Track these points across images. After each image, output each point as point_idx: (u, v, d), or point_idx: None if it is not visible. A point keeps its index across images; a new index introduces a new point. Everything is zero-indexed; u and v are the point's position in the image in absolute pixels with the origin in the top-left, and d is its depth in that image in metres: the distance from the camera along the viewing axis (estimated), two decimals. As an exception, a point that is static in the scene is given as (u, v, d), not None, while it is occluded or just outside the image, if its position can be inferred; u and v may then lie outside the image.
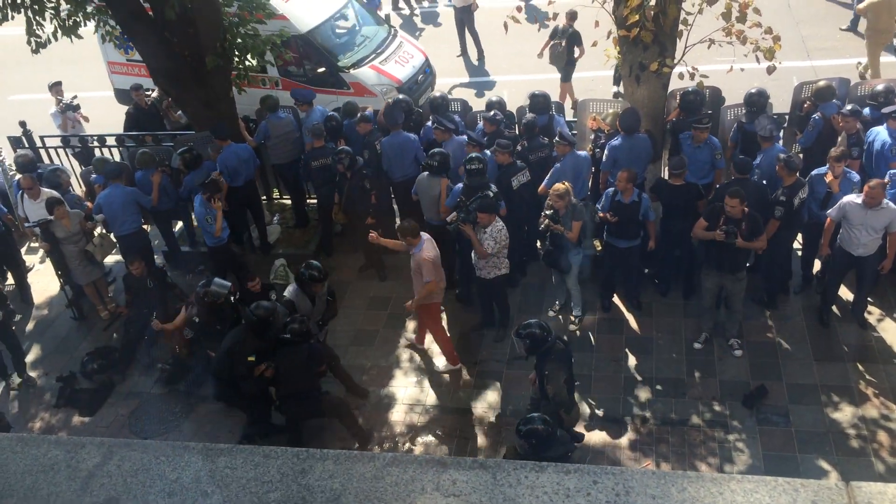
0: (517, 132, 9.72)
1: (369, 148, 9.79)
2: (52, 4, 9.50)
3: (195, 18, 9.55)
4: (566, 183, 8.30)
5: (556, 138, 8.91)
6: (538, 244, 9.41)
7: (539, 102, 9.66)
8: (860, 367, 7.97)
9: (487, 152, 9.00)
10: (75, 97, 12.54)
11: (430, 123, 9.76)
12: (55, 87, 12.40)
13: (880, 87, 8.89)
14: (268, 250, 10.75)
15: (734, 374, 8.12)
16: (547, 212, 8.31)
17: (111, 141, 11.40)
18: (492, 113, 9.56)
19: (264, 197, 11.14)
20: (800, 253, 9.12)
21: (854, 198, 7.76)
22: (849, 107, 8.62)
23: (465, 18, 15.07)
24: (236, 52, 10.10)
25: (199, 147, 10.11)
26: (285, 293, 8.27)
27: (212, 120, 10.14)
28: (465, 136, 9.48)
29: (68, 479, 3.01)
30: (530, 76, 13.71)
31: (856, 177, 8.14)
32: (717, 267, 8.04)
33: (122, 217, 9.68)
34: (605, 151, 8.99)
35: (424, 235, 8.09)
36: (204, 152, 10.08)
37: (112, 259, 10.73)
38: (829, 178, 8.12)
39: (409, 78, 12.63)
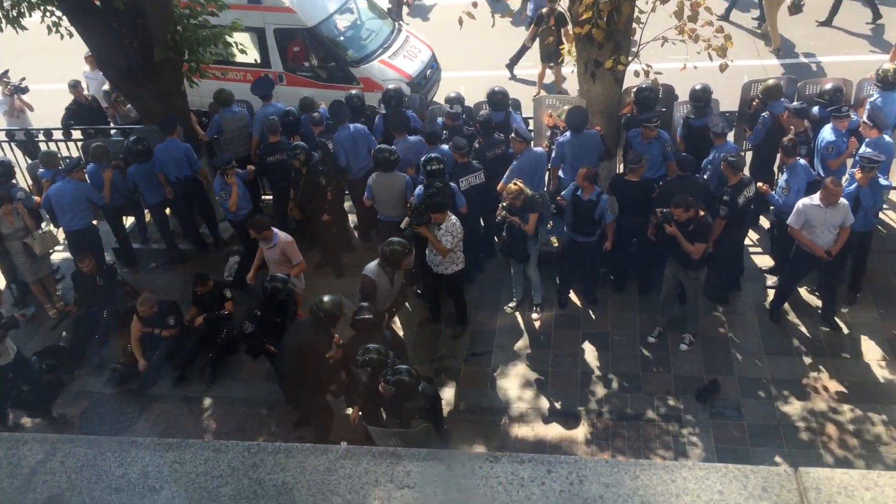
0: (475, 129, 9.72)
1: (321, 148, 9.64)
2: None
3: (144, 9, 9.36)
4: (518, 182, 8.34)
5: (513, 135, 8.95)
6: (495, 239, 9.44)
7: (497, 99, 9.68)
8: (808, 361, 8.15)
9: (445, 147, 8.99)
10: (24, 79, 12.14)
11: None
12: (2, 76, 12.03)
13: (828, 86, 9.09)
14: (221, 247, 10.58)
15: (688, 370, 8.22)
16: (503, 204, 8.35)
17: (57, 135, 11.12)
18: (451, 108, 9.54)
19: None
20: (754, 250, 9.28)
21: (809, 200, 7.86)
22: (795, 104, 8.80)
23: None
24: (187, 45, 9.89)
25: (150, 141, 9.89)
26: (365, 270, 7.89)
27: (163, 114, 9.95)
28: (419, 136, 9.44)
29: (9, 475, 2.92)
30: (487, 72, 13.74)
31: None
32: (676, 259, 8.15)
33: (71, 212, 9.44)
34: (554, 147, 9.07)
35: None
36: (153, 146, 9.87)
37: (60, 256, 10.48)
38: (857, 175, 8.05)
39: (419, 73, 12.40)
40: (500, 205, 8.44)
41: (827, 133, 8.65)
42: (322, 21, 12.01)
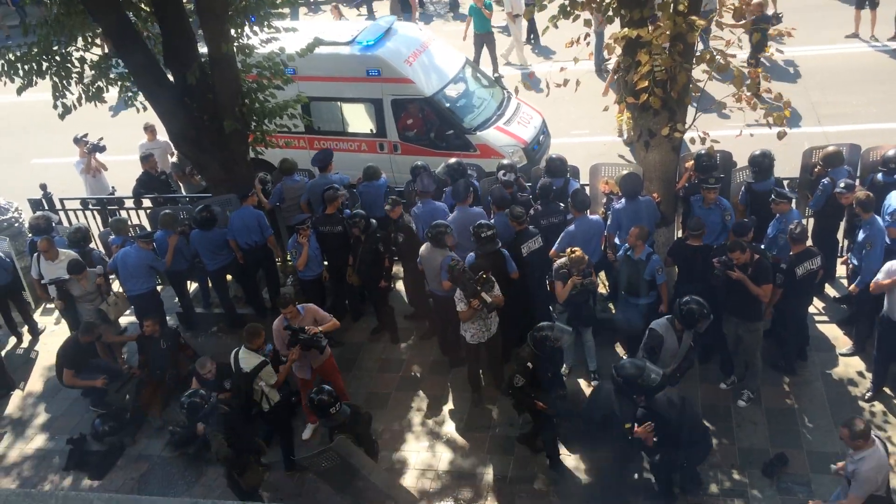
0: (531, 196, 9.78)
1: (404, 231, 9.62)
2: (77, 70, 9.80)
3: (215, 84, 9.80)
4: (577, 251, 8.38)
5: (570, 201, 8.98)
6: (550, 308, 9.36)
7: (556, 166, 9.76)
8: (883, 435, 7.75)
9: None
10: (101, 139, 12.68)
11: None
12: (81, 141, 12.63)
13: (891, 152, 8.92)
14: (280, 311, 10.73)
15: (753, 442, 7.96)
16: (576, 277, 8.35)
17: (129, 203, 11.59)
18: (503, 174, 9.66)
19: (279, 259, 11.20)
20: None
21: None
22: (842, 184, 8.65)
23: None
24: (254, 117, 10.29)
25: (219, 209, 10.22)
26: (654, 325, 7.68)
27: (229, 183, 10.30)
28: (479, 208, 9.50)
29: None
30: (593, 138, 13.91)
31: None
32: (733, 313, 8.06)
33: (134, 277, 9.78)
34: (610, 214, 9.06)
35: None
36: (222, 215, 10.20)
37: (126, 320, 10.78)
38: None
39: (533, 138, 12.52)
40: (571, 280, 8.36)
41: (894, 200, 8.45)
42: (439, 90, 12.27)
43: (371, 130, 12.33)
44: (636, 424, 6.89)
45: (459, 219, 9.31)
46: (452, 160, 10.48)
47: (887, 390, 8.33)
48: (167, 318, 10.48)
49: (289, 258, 9.85)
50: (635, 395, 6.94)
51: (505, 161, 10.39)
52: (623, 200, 8.96)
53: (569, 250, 8.38)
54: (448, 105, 12.23)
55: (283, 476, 8.42)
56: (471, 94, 12.84)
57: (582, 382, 9.02)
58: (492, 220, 8.99)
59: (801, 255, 8.03)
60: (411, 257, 9.34)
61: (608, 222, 9.14)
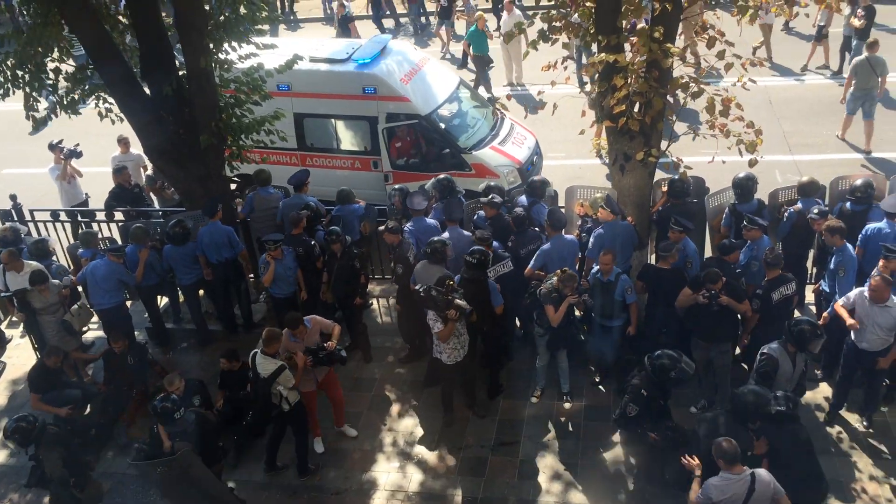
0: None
1: (402, 262, 9.40)
2: (51, 81, 9.71)
3: (192, 97, 9.76)
4: (567, 269, 8.38)
5: (546, 220, 9.02)
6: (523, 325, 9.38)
7: (535, 187, 9.83)
8: (852, 460, 7.91)
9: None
10: (77, 145, 12.55)
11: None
12: (56, 147, 12.48)
13: (859, 182, 9.10)
14: (250, 329, 10.66)
15: (722, 465, 7.97)
16: (574, 295, 8.31)
17: (100, 216, 11.46)
18: (490, 197, 9.67)
19: (251, 276, 11.13)
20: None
21: (863, 289, 7.77)
22: (815, 210, 8.78)
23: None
24: (231, 132, 10.24)
25: (192, 224, 10.15)
26: (768, 349, 7.40)
27: (203, 197, 10.23)
28: (468, 233, 9.46)
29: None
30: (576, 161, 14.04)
31: None
32: (704, 338, 8.16)
33: (102, 290, 9.64)
34: (591, 239, 9.08)
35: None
36: (196, 229, 10.12)
37: (94, 335, 10.62)
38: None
39: (527, 159, 12.52)
40: (566, 300, 8.32)
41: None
42: (434, 110, 12.26)
43: (365, 148, 12.33)
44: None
45: (451, 239, 9.31)
46: (442, 175, 10.49)
47: (843, 413, 8.43)
48: (136, 333, 10.33)
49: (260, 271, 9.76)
50: (753, 423, 6.72)
51: (491, 182, 10.40)
52: (602, 225, 8.98)
53: (558, 271, 8.38)
54: (443, 124, 12.27)
55: (254, 491, 8.30)
56: (465, 113, 12.91)
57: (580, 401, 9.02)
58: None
59: (775, 281, 8.13)
60: (408, 292, 9.05)
61: (589, 246, 9.10)
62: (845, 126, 13.95)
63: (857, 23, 14.74)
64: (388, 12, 22.19)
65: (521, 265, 9.08)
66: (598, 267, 8.54)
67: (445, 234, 9.41)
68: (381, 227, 9.80)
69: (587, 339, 8.77)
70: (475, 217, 9.78)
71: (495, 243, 9.07)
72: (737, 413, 6.85)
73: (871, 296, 7.56)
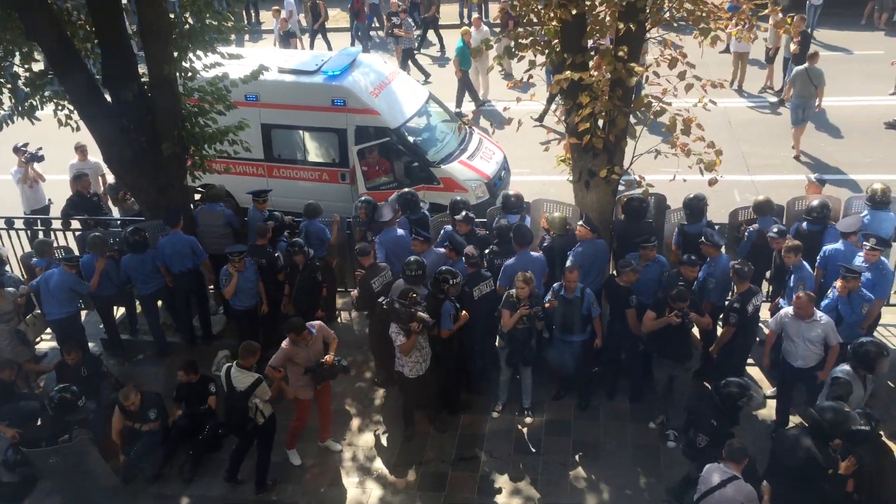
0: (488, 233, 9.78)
1: (365, 288, 9.26)
2: (9, 87, 9.51)
3: (154, 105, 9.63)
4: (527, 273, 8.40)
5: (512, 236, 9.04)
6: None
7: (512, 203, 9.82)
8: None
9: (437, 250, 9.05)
10: (40, 149, 12.32)
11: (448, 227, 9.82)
12: (20, 150, 12.25)
13: (815, 202, 9.29)
14: (209, 341, 10.50)
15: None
16: (526, 306, 8.31)
17: (57, 224, 11.24)
18: (464, 214, 9.65)
19: (211, 287, 10.98)
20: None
21: (789, 309, 7.97)
22: (775, 229, 8.96)
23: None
24: (194, 141, 10.12)
25: (150, 233, 9.99)
26: (839, 372, 7.32)
27: (164, 207, 10.08)
28: (441, 249, 9.36)
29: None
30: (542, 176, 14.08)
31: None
32: (669, 356, 8.23)
33: (54, 300, 9.44)
34: (570, 256, 9.02)
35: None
36: (154, 239, 9.96)
37: (47, 345, 10.38)
38: (838, 285, 8.13)
39: (495, 174, 12.55)
40: (521, 307, 8.33)
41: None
42: (404, 123, 12.23)
43: (333, 160, 12.26)
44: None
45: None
46: (405, 189, 10.46)
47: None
48: (90, 344, 10.13)
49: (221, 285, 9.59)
50: (834, 440, 6.56)
51: (458, 197, 10.42)
52: (581, 244, 8.98)
53: (520, 274, 8.40)
54: (412, 138, 12.25)
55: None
56: (434, 127, 12.92)
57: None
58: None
59: (747, 294, 8.27)
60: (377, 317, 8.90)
61: (568, 263, 8.97)
62: (796, 138, 14.54)
63: (793, 47, 15.52)
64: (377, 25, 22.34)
65: (496, 277, 9.06)
66: (558, 284, 8.54)
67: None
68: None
69: (549, 353, 8.78)
70: (442, 231, 9.77)
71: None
72: (815, 431, 6.60)
73: (797, 312, 7.77)
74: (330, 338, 8.32)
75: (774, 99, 16.67)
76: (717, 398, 7.15)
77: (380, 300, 8.36)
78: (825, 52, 15.86)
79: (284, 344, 7.98)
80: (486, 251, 9.33)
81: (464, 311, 8.49)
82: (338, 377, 8.34)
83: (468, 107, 17.14)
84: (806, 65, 14.07)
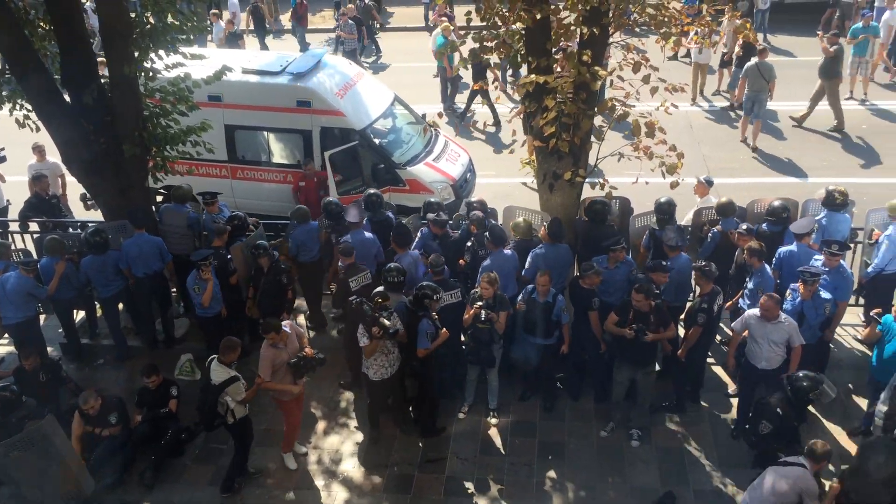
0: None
1: (343, 287, 9.21)
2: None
3: (114, 106, 9.49)
4: (493, 274, 8.43)
5: (486, 236, 9.07)
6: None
7: (474, 209, 9.80)
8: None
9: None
10: (2, 149, 12.12)
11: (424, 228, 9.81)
12: None
13: (776, 203, 9.46)
14: (171, 344, 10.37)
15: (644, 480, 8.15)
16: (479, 302, 8.36)
17: (14, 226, 11.02)
18: (437, 214, 9.63)
19: (174, 290, 10.85)
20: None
21: (754, 311, 8.09)
22: (744, 226, 9.13)
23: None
24: (156, 142, 9.98)
25: (112, 235, 9.83)
26: None
27: (125, 209, 9.93)
28: (417, 252, 9.33)
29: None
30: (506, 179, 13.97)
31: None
32: (629, 361, 8.27)
33: (10, 304, 9.27)
34: (529, 259, 9.07)
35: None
36: (115, 241, 9.81)
37: (5, 350, 10.16)
38: (800, 289, 8.22)
39: (461, 175, 12.52)
40: (475, 304, 8.38)
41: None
42: (369, 125, 12.17)
43: (298, 162, 12.19)
44: None
45: (406, 265, 9.14)
46: (371, 191, 10.44)
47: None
48: (49, 349, 9.94)
49: (191, 293, 9.40)
50: None
51: (432, 199, 10.41)
52: (543, 245, 9.02)
53: (484, 275, 8.42)
54: (378, 139, 12.21)
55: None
56: (399, 129, 12.89)
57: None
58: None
59: (712, 294, 8.39)
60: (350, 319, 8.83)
61: (527, 265, 9.07)
62: (743, 127, 15.28)
63: (737, 50, 16.16)
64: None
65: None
66: (531, 287, 8.56)
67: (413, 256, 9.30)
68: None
69: (512, 349, 8.81)
70: (420, 234, 9.74)
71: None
72: None
73: (764, 314, 7.89)
74: (301, 334, 8.29)
75: (725, 103, 16.99)
76: (788, 389, 7.21)
77: (350, 298, 8.32)
78: (775, 57, 16.20)
79: (264, 349, 7.92)
80: (469, 244, 9.31)
81: (443, 330, 8.36)
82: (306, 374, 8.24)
83: (434, 109, 17.16)
84: (756, 59, 14.61)
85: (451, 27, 17.14)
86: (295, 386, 8.07)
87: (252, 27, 21.39)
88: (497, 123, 15.70)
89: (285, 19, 23.21)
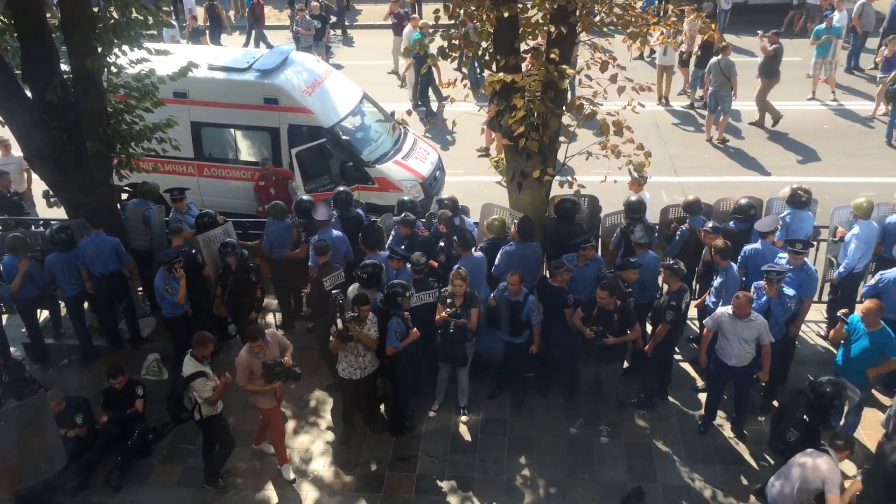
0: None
1: (316, 287, 9.07)
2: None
3: (78, 102, 9.33)
4: (463, 271, 8.45)
5: (455, 238, 9.06)
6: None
7: (447, 207, 9.81)
8: (731, 469, 8.25)
9: (409, 266, 8.86)
10: None
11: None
12: None
13: (744, 201, 9.60)
14: (137, 344, 10.24)
15: (613, 476, 8.22)
16: (448, 310, 8.36)
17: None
18: (403, 215, 9.58)
19: (140, 289, 10.70)
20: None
21: (725, 309, 8.17)
22: (710, 224, 9.26)
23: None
24: (120, 139, 9.82)
25: (76, 232, 9.67)
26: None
27: (88, 206, 9.77)
28: (386, 253, 9.22)
29: None
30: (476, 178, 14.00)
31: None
32: (594, 358, 8.35)
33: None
34: (499, 256, 9.09)
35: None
36: (80, 238, 9.64)
37: (-36, 351, 9.93)
38: (766, 287, 8.32)
39: (430, 174, 12.46)
40: (445, 309, 8.40)
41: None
42: (338, 122, 12.09)
43: (265, 160, 12.10)
44: None
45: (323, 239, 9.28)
46: (340, 188, 10.38)
47: (719, 424, 8.83)
48: (12, 349, 9.76)
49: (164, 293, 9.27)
50: None
51: (405, 197, 10.38)
52: (513, 244, 9.06)
53: (454, 271, 8.44)
54: (346, 137, 12.16)
55: None
56: (368, 127, 12.84)
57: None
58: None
59: (680, 291, 8.48)
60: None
61: (496, 262, 9.09)
62: (708, 125, 15.63)
63: (696, 50, 16.68)
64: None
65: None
66: (504, 285, 8.58)
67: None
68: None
69: (479, 343, 8.84)
70: (394, 231, 9.69)
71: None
72: None
73: (736, 312, 7.98)
74: (285, 345, 8.19)
75: (686, 102, 17.24)
76: (811, 396, 7.22)
77: (332, 291, 8.30)
78: (736, 57, 16.45)
79: (242, 354, 7.84)
80: (442, 245, 9.29)
81: (414, 329, 8.33)
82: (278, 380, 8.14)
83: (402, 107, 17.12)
84: (720, 57, 14.95)
85: (421, 23, 17.13)
86: (272, 385, 7.92)
87: (208, 24, 21.22)
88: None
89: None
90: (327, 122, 11.97)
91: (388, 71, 18.30)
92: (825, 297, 10.10)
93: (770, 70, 15.50)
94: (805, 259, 8.74)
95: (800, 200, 9.57)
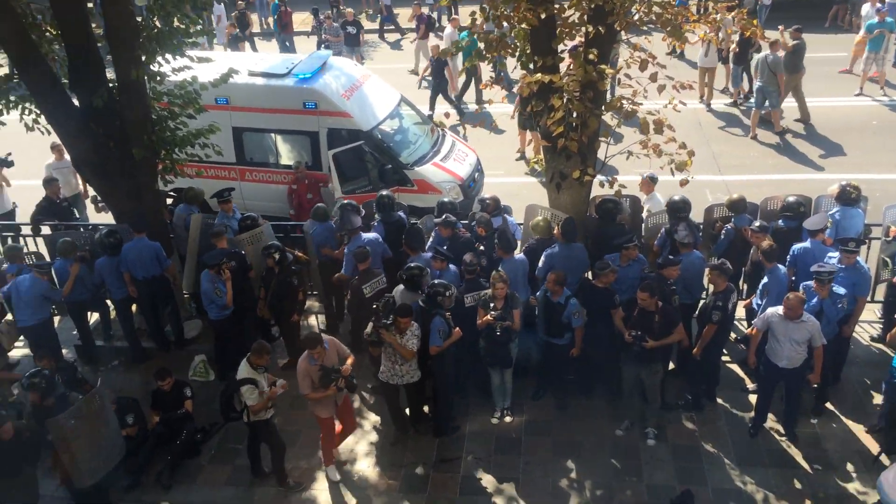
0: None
1: (356, 294, 9.17)
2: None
3: (123, 109, 9.52)
4: (503, 272, 8.42)
5: (496, 243, 9.01)
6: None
7: (489, 206, 9.80)
8: (782, 472, 8.10)
9: (452, 266, 8.90)
10: (9, 154, 12.28)
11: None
12: None
13: (791, 199, 9.40)
14: (182, 346, 10.40)
15: (660, 479, 8.11)
16: (492, 313, 8.33)
17: (26, 230, 11.07)
18: (444, 217, 9.57)
19: (186, 293, 10.87)
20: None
21: (776, 309, 7.99)
22: (757, 223, 9.08)
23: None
24: (164, 145, 10.00)
25: (125, 237, 9.86)
26: None
27: (135, 211, 9.96)
28: (429, 255, 9.23)
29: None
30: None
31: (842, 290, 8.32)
32: (634, 358, 8.23)
33: (26, 307, 9.31)
34: (542, 259, 9.03)
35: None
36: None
37: (20, 353, 10.21)
38: (816, 288, 8.14)
39: (469, 175, 12.54)
40: (488, 313, 8.36)
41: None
42: (376, 125, 12.19)
43: (306, 163, 12.20)
44: None
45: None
46: (383, 192, 10.39)
47: (770, 426, 8.66)
48: (64, 350, 9.98)
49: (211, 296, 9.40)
50: None
51: (445, 199, 10.39)
52: (557, 245, 8.99)
53: (495, 273, 8.40)
54: (385, 140, 12.22)
55: None
56: (406, 130, 12.90)
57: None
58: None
59: (727, 291, 8.34)
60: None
61: (539, 264, 9.03)
62: (754, 122, 15.42)
63: (733, 47, 16.32)
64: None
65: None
66: (546, 286, 8.50)
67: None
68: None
69: (522, 352, 8.78)
70: (434, 234, 9.67)
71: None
72: None
73: (787, 314, 7.80)
74: (345, 353, 8.20)
75: (729, 100, 16.95)
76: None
77: (384, 294, 8.39)
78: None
79: (301, 362, 7.89)
80: (482, 261, 9.12)
81: (456, 329, 8.29)
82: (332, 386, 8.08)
83: (441, 109, 17.17)
84: (767, 52, 14.73)
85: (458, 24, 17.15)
86: (330, 390, 7.89)
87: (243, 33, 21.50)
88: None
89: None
90: (366, 126, 12.04)
91: (409, 70, 18.44)
92: (878, 297, 9.84)
93: (792, 65, 15.20)
94: (857, 257, 8.54)
95: (849, 197, 9.36)
